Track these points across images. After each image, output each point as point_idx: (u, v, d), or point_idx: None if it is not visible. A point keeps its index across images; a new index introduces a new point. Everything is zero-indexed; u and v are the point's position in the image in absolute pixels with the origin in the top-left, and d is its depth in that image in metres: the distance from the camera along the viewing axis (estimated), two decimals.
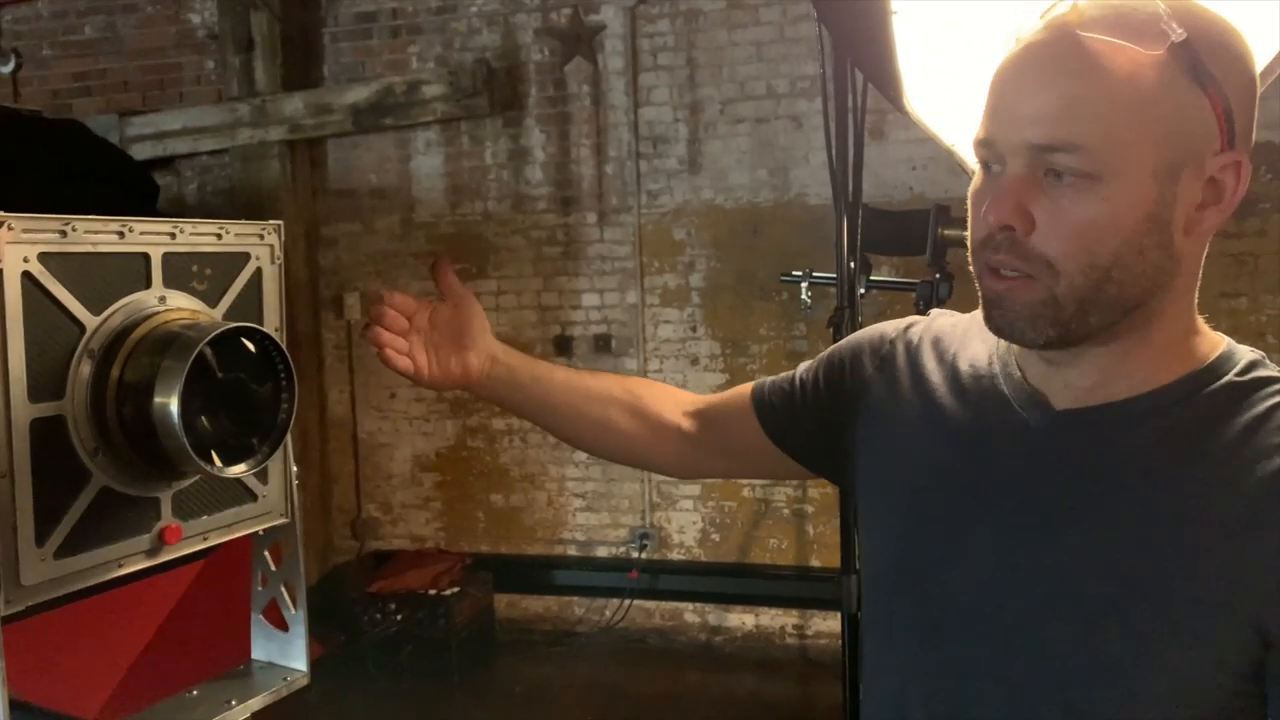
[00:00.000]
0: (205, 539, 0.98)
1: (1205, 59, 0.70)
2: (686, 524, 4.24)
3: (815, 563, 4.08)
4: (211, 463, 0.87)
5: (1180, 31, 0.69)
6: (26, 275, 0.81)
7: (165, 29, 4.63)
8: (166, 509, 0.94)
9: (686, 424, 1.13)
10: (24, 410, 0.81)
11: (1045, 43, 0.73)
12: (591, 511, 4.35)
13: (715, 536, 4.20)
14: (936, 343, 0.94)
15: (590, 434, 1.14)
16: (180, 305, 0.93)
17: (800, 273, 3.41)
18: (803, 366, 1.08)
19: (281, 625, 1.11)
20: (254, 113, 4.32)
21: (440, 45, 4.35)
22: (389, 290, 1.07)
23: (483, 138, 4.33)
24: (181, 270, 0.94)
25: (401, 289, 4.08)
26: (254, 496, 1.03)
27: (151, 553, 0.92)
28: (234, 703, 1.02)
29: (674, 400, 1.15)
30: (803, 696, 3.94)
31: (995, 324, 0.78)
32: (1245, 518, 0.71)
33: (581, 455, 4.36)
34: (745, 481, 4.13)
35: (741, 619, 4.22)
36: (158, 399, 0.84)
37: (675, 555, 4.26)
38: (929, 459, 0.88)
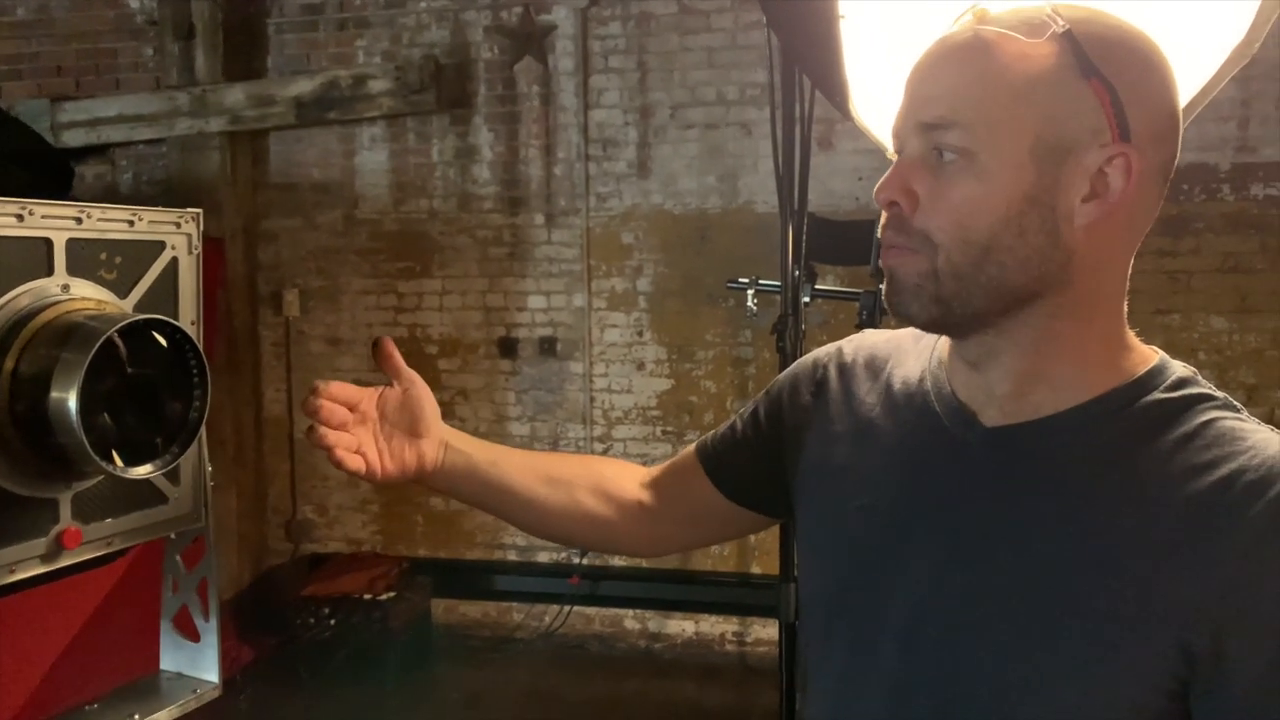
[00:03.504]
0: (109, 544, 0.93)
1: (1089, 50, 0.72)
2: None
3: (756, 569, 4.08)
4: (112, 463, 0.82)
5: (1063, 23, 0.73)
6: None
7: (102, 13, 4.48)
8: (65, 511, 0.88)
9: (647, 498, 1.08)
10: None
11: (947, 38, 0.77)
12: None
13: None
14: (870, 362, 0.94)
15: (557, 521, 1.08)
16: (86, 295, 0.87)
17: (746, 280, 3.41)
18: (743, 410, 1.06)
19: (193, 635, 1.06)
20: (193, 102, 4.20)
21: (388, 40, 4.28)
22: (325, 381, 0.95)
23: (429, 135, 4.26)
24: (88, 258, 0.89)
25: (343, 286, 4.00)
26: (164, 499, 0.98)
27: (48, 558, 0.87)
28: (137, 717, 0.97)
29: (632, 476, 1.10)
30: (741, 704, 3.93)
31: (889, 301, 0.80)
32: (1172, 537, 0.70)
33: None
34: None
35: (681, 626, 4.20)
36: (54, 394, 0.79)
37: (616, 561, 4.23)
38: (865, 478, 0.88)
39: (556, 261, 4.21)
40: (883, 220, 0.78)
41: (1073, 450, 0.76)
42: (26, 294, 0.83)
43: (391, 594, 3.94)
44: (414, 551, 4.36)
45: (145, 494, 0.96)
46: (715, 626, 4.16)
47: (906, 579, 0.80)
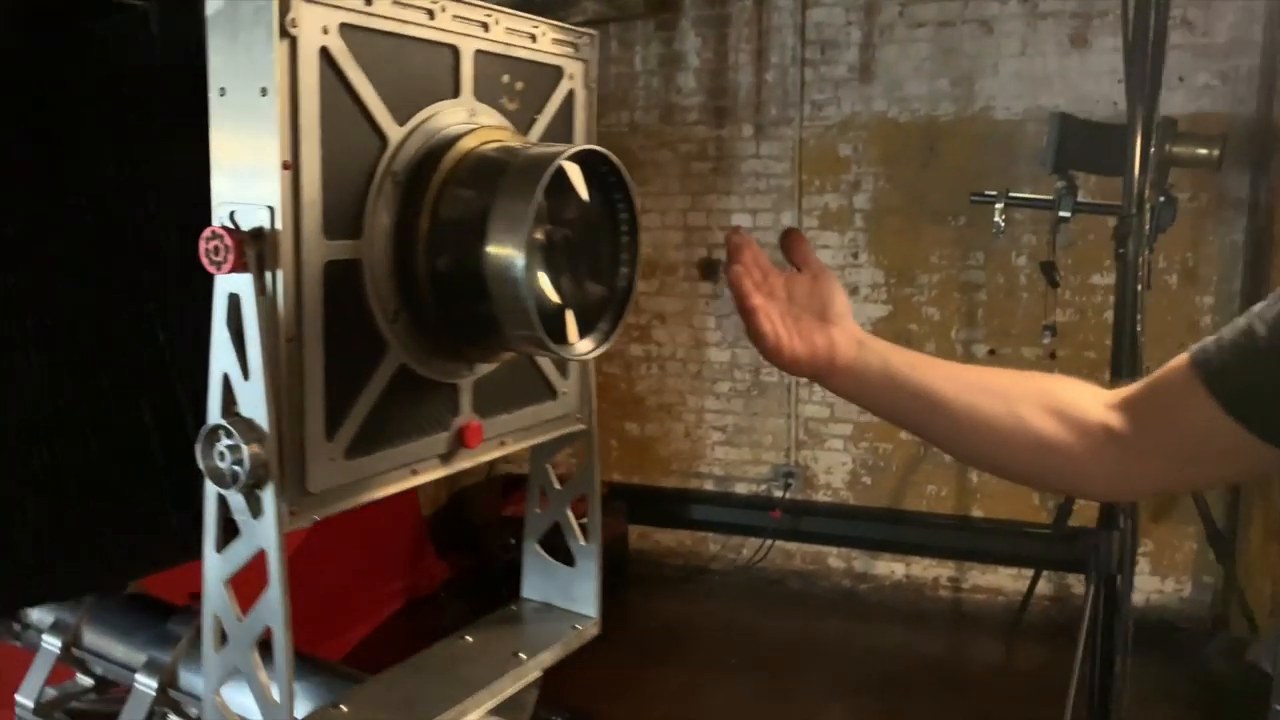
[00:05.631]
0: (502, 443, 0.75)
1: None
2: (835, 464, 3.97)
3: (977, 512, 3.78)
4: (563, 338, 0.63)
5: None
6: (325, 53, 0.57)
7: None
8: (465, 401, 0.70)
9: (1116, 422, 0.83)
10: (318, 248, 0.58)
11: None
12: (731, 446, 4.11)
13: (866, 479, 3.92)
14: None
15: (996, 441, 0.85)
16: (491, 125, 0.68)
17: (994, 192, 3.07)
18: (1259, 308, 0.79)
19: (564, 558, 0.89)
20: None
21: None
22: (742, 229, 0.83)
23: (633, 41, 4.02)
24: (491, 80, 0.69)
25: None
26: (552, 393, 0.80)
27: (447, 457, 0.69)
28: (522, 655, 0.80)
29: (1093, 395, 0.86)
30: (954, 654, 3.67)
31: None
32: None
33: (723, 386, 4.10)
34: None
35: (891, 567, 3.95)
36: (492, 247, 0.60)
37: (821, 496, 4.00)
38: None
39: (764, 176, 3.93)
40: None
41: None
42: (435, 118, 0.64)
43: (587, 518, 3.83)
44: (609, 476, 4.25)
45: (538, 387, 0.78)
46: (928, 570, 3.89)
47: None
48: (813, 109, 3.82)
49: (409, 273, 0.62)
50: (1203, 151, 2.80)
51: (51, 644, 0.88)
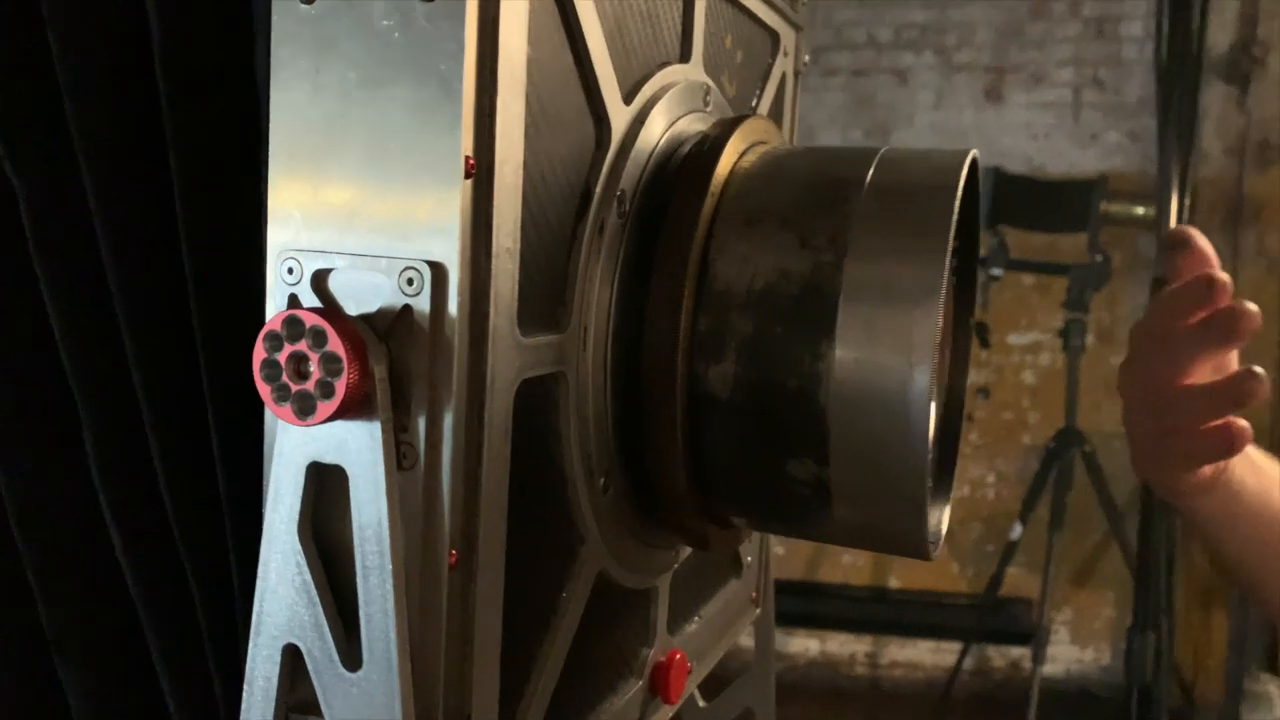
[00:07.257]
0: (689, 669, 0.44)
1: None
2: None
3: (894, 583, 3.61)
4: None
5: None
6: None
7: None
8: (660, 615, 0.39)
9: None
10: (512, 354, 0.26)
11: None
12: None
13: (779, 549, 3.67)
14: None
15: None
16: (752, 115, 0.38)
17: None
18: None
19: None
20: None
21: None
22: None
23: None
24: (715, 42, 0.39)
25: None
26: (738, 567, 0.49)
27: None
28: None
29: None
30: None
31: None
32: None
33: None
34: None
35: (805, 644, 3.72)
36: (846, 350, 0.29)
37: None
38: None
39: None
40: None
41: None
42: (669, 96, 0.34)
43: None
44: None
45: (724, 561, 0.47)
46: (844, 646, 3.68)
47: None
48: None
49: (652, 397, 0.30)
50: (1139, 211, 2.75)
51: None
